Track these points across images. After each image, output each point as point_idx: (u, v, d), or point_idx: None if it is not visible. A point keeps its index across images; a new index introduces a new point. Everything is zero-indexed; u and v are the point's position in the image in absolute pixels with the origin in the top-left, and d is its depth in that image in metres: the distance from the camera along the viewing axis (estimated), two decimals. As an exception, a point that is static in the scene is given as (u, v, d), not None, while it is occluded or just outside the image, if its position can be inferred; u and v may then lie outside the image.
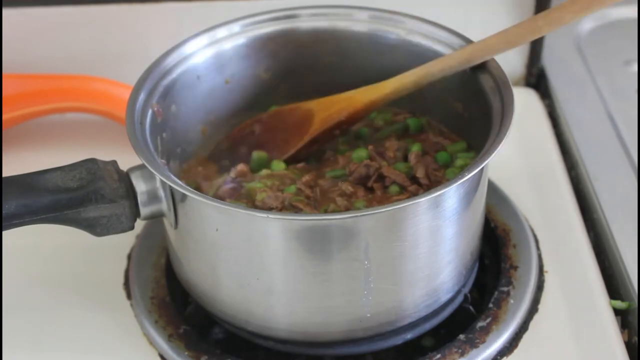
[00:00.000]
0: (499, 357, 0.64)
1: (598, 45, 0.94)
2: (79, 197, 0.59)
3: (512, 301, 0.67)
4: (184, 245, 0.64)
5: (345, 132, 0.71)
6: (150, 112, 0.64)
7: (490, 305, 0.67)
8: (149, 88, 0.65)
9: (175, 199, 0.60)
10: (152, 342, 0.66)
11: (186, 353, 0.64)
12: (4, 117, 0.83)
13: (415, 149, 0.68)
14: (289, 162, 0.69)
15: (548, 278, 0.70)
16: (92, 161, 0.60)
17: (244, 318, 0.63)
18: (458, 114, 0.70)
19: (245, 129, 0.73)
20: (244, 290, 0.61)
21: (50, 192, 0.58)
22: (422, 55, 0.68)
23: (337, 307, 0.60)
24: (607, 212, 0.73)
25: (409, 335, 0.67)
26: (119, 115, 0.82)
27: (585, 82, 0.89)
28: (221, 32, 0.70)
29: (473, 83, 0.65)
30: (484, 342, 0.64)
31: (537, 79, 0.93)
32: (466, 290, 0.69)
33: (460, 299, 0.69)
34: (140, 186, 0.60)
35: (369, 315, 0.61)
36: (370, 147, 0.68)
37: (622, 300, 0.68)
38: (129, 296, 0.70)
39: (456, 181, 0.56)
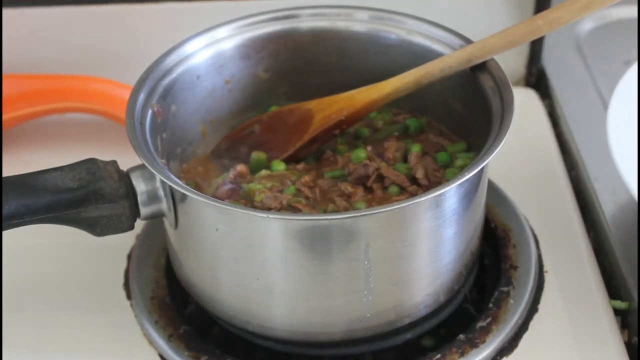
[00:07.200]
0: (499, 357, 0.64)
1: (598, 45, 0.94)
2: (79, 197, 0.59)
3: (512, 301, 0.67)
4: (184, 245, 0.64)
5: (345, 132, 0.71)
6: (150, 112, 0.64)
7: (490, 305, 0.67)
8: (149, 88, 0.65)
9: (175, 199, 0.60)
10: (152, 343, 0.66)
11: (186, 353, 0.64)
12: (4, 117, 0.83)
13: (415, 149, 0.68)
14: (288, 161, 0.69)
15: (548, 278, 0.70)
16: (92, 161, 0.60)
17: (244, 318, 0.63)
18: (458, 114, 0.70)
19: (245, 129, 0.73)
20: (244, 290, 0.61)
21: (50, 192, 0.58)
22: (422, 55, 0.68)
23: (337, 307, 0.60)
24: (607, 212, 0.73)
25: (409, 335, 0.67)
26: (119, 115, 0.82)
27: (585, 82, 0.89)
28: (221, 32, 0.70)
29: (473, 83, 0.65)
30: (484, 342, 0.64)
31: (537, 79, 0.92)
32: (466, 290, 0.69)
33: (460, 299, 0.69)
34: (140, 186, 0.60)
35: (369, 315, 0.61)
36: (369, 148, 0.68)
37: (622, 300, 0.68)
38: (129, 296, 0.70)
39: (456, 181, 0.56)
